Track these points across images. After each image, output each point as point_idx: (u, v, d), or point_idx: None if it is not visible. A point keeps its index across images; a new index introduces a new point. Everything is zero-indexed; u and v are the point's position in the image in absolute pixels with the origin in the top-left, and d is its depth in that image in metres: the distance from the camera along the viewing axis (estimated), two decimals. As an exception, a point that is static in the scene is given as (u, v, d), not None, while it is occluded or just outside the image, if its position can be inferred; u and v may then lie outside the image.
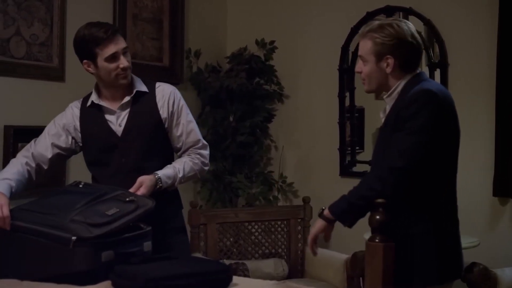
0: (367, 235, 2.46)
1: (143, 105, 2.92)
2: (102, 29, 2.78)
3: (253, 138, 5.04)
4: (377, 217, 2.36)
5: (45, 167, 2.92)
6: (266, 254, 4.64)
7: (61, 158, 3.02)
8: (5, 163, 3.81)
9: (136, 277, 2.21)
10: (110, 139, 2.90)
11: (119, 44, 2.81)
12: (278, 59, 5.12)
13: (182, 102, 3.00)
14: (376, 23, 2.67)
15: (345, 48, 4.88)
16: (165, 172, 2.86)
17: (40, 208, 2.47)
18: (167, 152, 3.01)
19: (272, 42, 5.09)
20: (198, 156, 2.99)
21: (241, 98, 4.95)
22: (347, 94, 4.92)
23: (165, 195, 2.87)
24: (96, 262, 2.30)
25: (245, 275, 3.99)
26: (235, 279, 2.44)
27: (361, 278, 3.35)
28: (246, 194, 4.99)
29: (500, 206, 4.23)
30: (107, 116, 2.93)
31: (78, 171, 4.22)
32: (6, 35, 3.86)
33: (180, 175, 2.90)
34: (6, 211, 2.51)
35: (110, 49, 2.79)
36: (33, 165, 2.88)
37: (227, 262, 4.08)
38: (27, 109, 3.98)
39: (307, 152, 5.17)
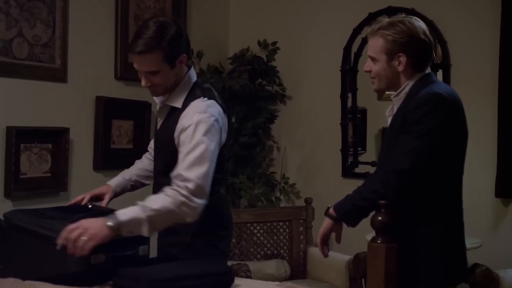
0: (370, 236, 2.46)
1: (171, 120, 2.68)
2: (135, 42, 2.55)
3: (256, 139, 5.04)
4: (379, 218, 2.35)
5: None
6: (268, 255, 4.64)
7: None
8: (8, 164, 3.83)
9: (139, 278, 2.21)
10: (155, 135, 2.86)
11: (142, 66, 2.58)
12: (280, 60, 5.11)
13: (195, 127, 2.52)
14: (385, 20, 2.62)
15: (347, 49, 4.88)
16: (124, 209, 2.41)
17: (39, 214, 2.49)
18: None
19: (274, 43, 5.09)
20: (177, 187, 2.44)
21: (243, 99, 4.95)
22: (350, 95, 4.91)
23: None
24: (85, 265, 2.26)
25: (247, 276, 3.98)
26: (237, 280, 2.44)
27: (363, 279, 3.35)
28: (249, 195, 4.99)
29: (503, 207, 4.22)
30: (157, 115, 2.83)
31: (80, 172, 4.24)
32: (9, 36, 3.87)
33: (147, 204, 2.39)
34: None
35: (133, 61, 2.62)
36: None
37: (229, 263, 4.07)
38: (29, 110, 3.98)
39: (310, 153, 5.17)
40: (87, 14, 4.33)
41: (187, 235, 2.67)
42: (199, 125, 2.52)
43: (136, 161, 3.08)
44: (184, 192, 2.40)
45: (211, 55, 5.23)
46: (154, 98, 2.79)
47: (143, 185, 3.02)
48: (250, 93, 4.94)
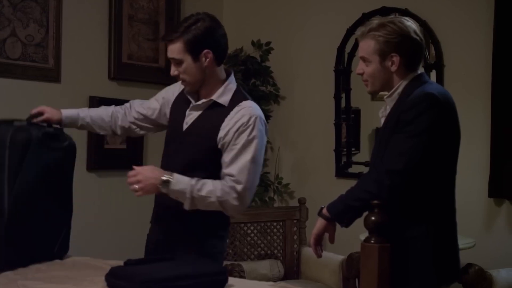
0: (363, 236, 2.46)
1: (212, 117, 2.70)
2: (167, 32, 2.77)
3: (249, 139, 5.03)
4: (373, 218, 2.35)
5: (127, 119, 2.95)
6: (262, 255, 4.64)
7: (139, 124, 2.96)
8: (1, 164, 3.81)
9: (132, 278, 2.20)
10: (176, 130, 2.81)
11: (169, 53, 2.69)
12: (274, 60, 5.12)
13: (252, 133, 2.64)
14: (375, 22, 2.62)
15: (341, 49, 4.88)
16: (180, 178, 2.60)
17: None
18: (216, 170, 2.68)
19: (268, 43, 5.10)
20: (229, 185, 2.61)
21: (237, 99, 4.94)
22: (343, 95, 4.92)
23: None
24: None
25: (241, 276, 3.98)
26: (231, 280, 2.43)
27: (356, 280, 3.35)
28: (242, 195, 4.99)
29: (496, 207, 4.23)
30: (188, 108, 2.79)
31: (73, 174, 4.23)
32: (2, 36, 3.87)
33: (199, 186, 2.58)
34: (45, 109, 2.82)
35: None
36: (122, 112, 2.95)
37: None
38: (22, 110, 3.96)
39: (303, 153, 5.17)
40: (80, 14, 4.33)
41: (196, 235, 2.71)
42: (257, 130, 2.66)
43: (103, 106, 3.01)
44: (233, 193, 2.59)
45: (205, 55, 5.22)
46: (187, 94, 2.80)
47: (93, 131, 3.01)
48: (244, 93, 4.94)
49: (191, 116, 2.76)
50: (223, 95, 2.72)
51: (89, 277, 2.47)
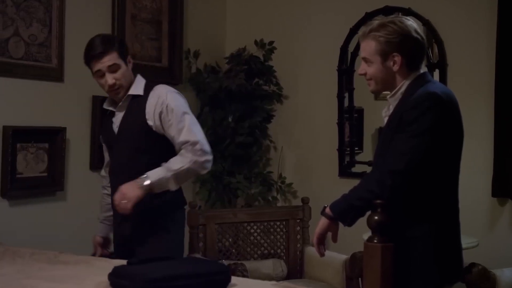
0: (366, 235, 2.46)
1: (134, 108, 3.08)
2: (91, 49, 3.06)
3: (252, 138, 5.04)
4: (376, 217, 2.35)
5: None
6: (265, 254, 4.63)
7: None
8: (4, 163, 3.82)
9: (135, 277, 2.21)
10: (110, 138, 3.18)
11: (104, 63, 3.03)
12: (277, 60, 5.11)
13: (173, 103, 3.04)
14: (376, 22, 2.62)
15: (344, 48, 4.88)
16: (152, 171, 2.94)
17: None
18: (160, 155, 3.04)
19: (271, 42, 5.09)
20: (189, 150, 2.98)
21: (240, 99, 4.95)
22: (346, 94, 4.92)
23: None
24: None
25: (244, 276, 3.98)
26: (234, 279, 2.44)
27: (360, 279, 3.35)
28: (245, 194, 4.99)
29: (499, 207, 4.23)
30: (113, 118, 3.16)
31: (76, 172, 4.24)
32: (5, 36, 3.86)
33: (169, 165, 2.94)
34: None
35: (95, 67, 3.06)
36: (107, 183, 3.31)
37: (226, 262, 4.07)
38: (26, 110, 3.98)
39: (306, 153, 5.17)
40: (83, 13, 4.33)
41: (156, 226, 3.04)
42: (176, 100, 3.05)
43: (101, 201, 3.42)
44: (197, 151, 2.96)
45: (208, 55, 5.23)
46: (105, 105, 3.23)
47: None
48: (247, 92, 4.94)
49: (118, 118, 3.13)
50: (136, 87, 3.11)
51: (91, 276, 2.48)
